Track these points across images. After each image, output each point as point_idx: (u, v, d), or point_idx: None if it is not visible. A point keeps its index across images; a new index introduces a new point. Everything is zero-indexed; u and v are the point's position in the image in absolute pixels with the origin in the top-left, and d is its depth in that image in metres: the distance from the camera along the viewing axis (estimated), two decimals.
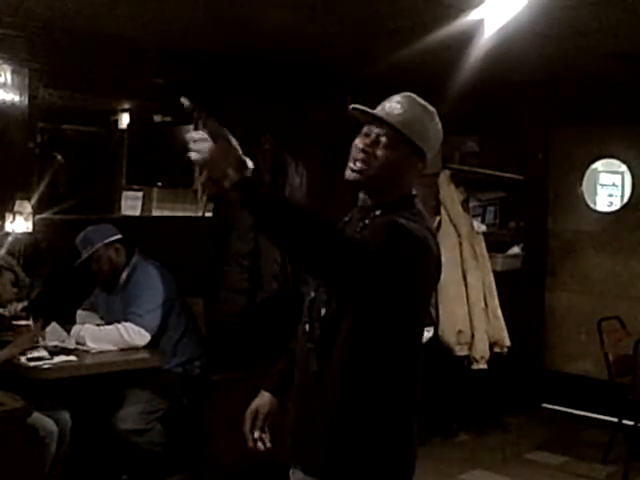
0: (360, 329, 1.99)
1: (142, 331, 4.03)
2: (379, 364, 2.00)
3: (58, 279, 4.33)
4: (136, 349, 4.01)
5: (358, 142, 2.06)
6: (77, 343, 3.95)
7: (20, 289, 3.86)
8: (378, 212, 2.05)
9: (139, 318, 4.04)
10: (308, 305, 2.11)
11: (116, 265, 4.20)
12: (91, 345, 3.95)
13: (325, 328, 2.03)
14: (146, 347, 4.04)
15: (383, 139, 2.03)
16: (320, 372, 2.03)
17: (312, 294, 2.10)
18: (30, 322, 3.72)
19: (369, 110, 2.06)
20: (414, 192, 2.12)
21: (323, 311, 2.04)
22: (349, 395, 2.00)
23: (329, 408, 2.01)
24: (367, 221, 2.05)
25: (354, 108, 2.07)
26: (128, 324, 4.02)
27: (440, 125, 2.12)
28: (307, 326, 2.09)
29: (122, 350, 3.99)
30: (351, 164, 2.05)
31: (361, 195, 2.13)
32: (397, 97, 2.10)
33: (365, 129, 2.07)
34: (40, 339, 3.77)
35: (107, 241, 4.17)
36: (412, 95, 2.12)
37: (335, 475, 2.01)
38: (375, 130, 2.04)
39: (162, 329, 4.13)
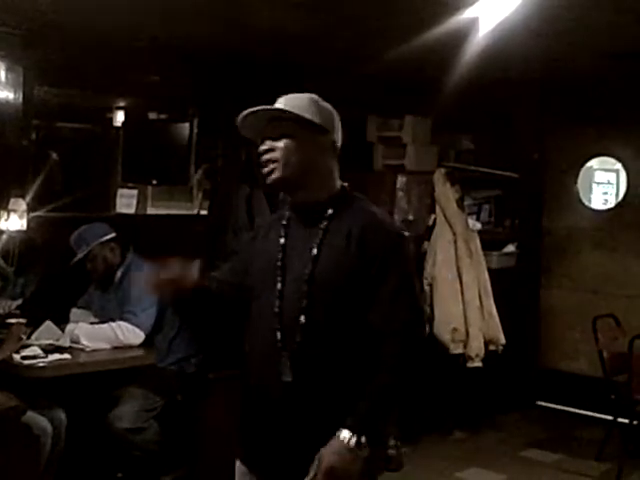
0: (358, 337, 1.99)
1: (136, 330, 4.02)
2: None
3: (52, 277, 4.33)
4: (131, 347, 4.01)
5: (260, 149, 2.08)
6: (71, 341, 3.94)
7: (1, 275, 3.80)
8: (330, 211, 2.05)
9: (134, 317, 4.04)
10: (276, 312, 2.04)
11: (111, 264, 4.20)
12: (85, 343, 3.94)
13: (308, 336, 1.99)
14: (141, 345, 4.04)
15: (278, 130, 2.04)
16: (297, 382, 2.00)
17: (276, 302, 2.04)
18: (22, 320, 3.71)
19: (255, 109, 2.07)
20: (344, 183, 2.14)
21: (303, 318, 1.99)
22: (338, 402, 1.98)
23: (321, 416, 1.99)
24: (324, 224, 2.04)
25: (241, 125, 2.10)
26: (123, 323, 4.01)
27: (327, 104, 2.14)
28: (278, 334, 2.03)
29: (116, 348, 3.99)
30: (263, 170, 2.07)
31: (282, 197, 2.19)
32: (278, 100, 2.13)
33: (265, 133, 2.09)
34: (25, 337, 3.74)
35: (102, 240, 4.17)
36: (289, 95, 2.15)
37: None
38: (272, 129, 2.06)
39: (157, 327, 4.13)
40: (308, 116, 2.05)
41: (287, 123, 2.05)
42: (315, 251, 2.02)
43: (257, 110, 2.07)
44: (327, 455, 1.91)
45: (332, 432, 1.95)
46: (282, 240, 2.09)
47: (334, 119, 2.13)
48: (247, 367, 2.14)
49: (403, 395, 2.01)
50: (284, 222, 2.13)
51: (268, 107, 2.08)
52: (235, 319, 2.23)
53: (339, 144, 2.14)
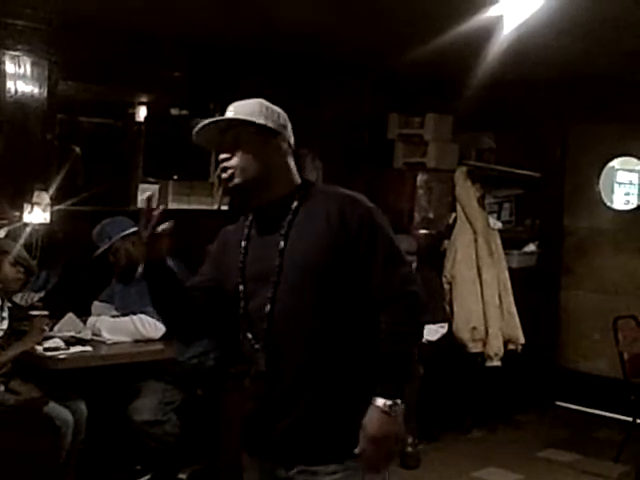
0: (339, 315, 2.05)
1: (157, 323, 4.04)
2: (351, 347, 2.07)
3: (75, 270, 4.36)
4: (151, 341, 4.04)
5: (218, 158, 2.15)
6: (93, 334, 3.98)
7: (26, 270, 3.82)
8: (295, 204, 2.11)
9: (155, 310, 4.05)
10: (242, 312, 2.13)
11: (133, 257, 4.21)
12: (107, 336, 3.98)
13: (274, 323, 2.06)
14: (161, 339, 4.06)
15: (235, 140, 2.11)
16: (271, 371, 2.08)
17: (242, 304, 2.12)
18: (45, 312, 3.75)
19: (205, 121, 2.12)
20: (306, 177, 2.21)
21: (268, 307, 2.07)
22: (321, 381, 2.05)
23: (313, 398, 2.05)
24: (289, 217, 2.10)
25: (196, 138, 2.15)
26: (144, 316, 4.04)
27: (275, 107, 2.18)
28: (249, 334, 2.12)
29: (137, 341, 4.02)
30: (223, 177, 2.14)
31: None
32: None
33: (220, 146, 2.14)
34: (47, 329, 3.76)
35: (124, 234, 4.20)
36: (237, 102, 2.20)
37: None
38: (226, 140, 2.13)
39: None
40: (261, 121, 2.11)
41: (240, 130, 2.11)
42: (282, 244, 2.07)
43: (209, 123, 2.13)
44: (369, 424, 2.01)
45: (320, 413, 2.04)
46: (243, 243, 2.16)
47: (284, 119, 2.20)
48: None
49: (414, 354, 2.12)
50: (246, 225, 2.20)
51: (219, 118, 2.15)
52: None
53: (292, 142, 2.21)
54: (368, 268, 2.05)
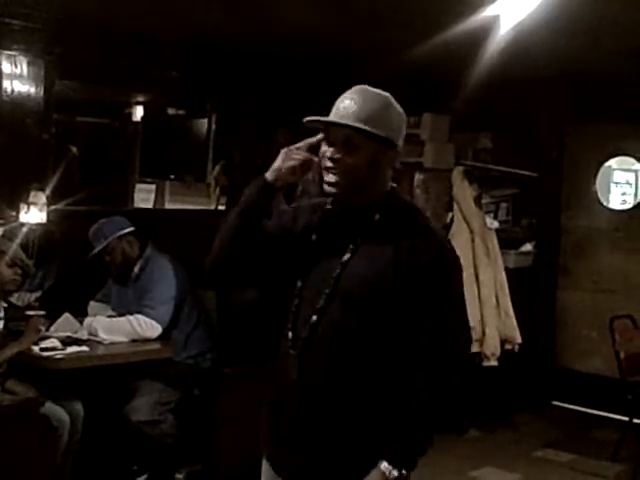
0: (380, 348, 1.93)
1: (154, 323, 4.04)
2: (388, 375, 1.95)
3: (71, 270, 4.36)
4: (148, 341, 4.03)
5: (325, 150, 1.96)
6: (89, 334, 3.97)
7: (23, 271, 3.81)
8: (377, 217, 1.96)
9: (151, 310, 4.05)
10: (293, 310, 2.02)
11: (129, 257, 4.22)
12: (103, 336, 3.97)
13: (316, 335, 1.95)
14: (158, 339, 4.05)
15: (349, 141, 1.92)
16: (302, 381, 1.97)
17: (295, 301, 2.02)
18: (41, 312, 3.74)
19: (323, 119, 1.95)
20: (393, 184, 2.04)
21: (314, 318, 1.95)
22: (349, 406, 1.94)
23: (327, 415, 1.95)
24: (366, 229, 1.95)
25: (309, 121, 1.96)
26: (140, 316, 4.03)
27: (399, 107, 2.01)
28: (290, 333, 2.01)
29: (134, 341, 4.01)
30: (326, 177, 1.96)
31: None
32: (348, 94, 1.98)
33: (328, 136, 1.96)
34: (44, 329, 3.75)
35: (120, 234, 4.19)
36: (363, 87, 2.00)
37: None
38: (339, 134, 1.93)
39: (174, 321, 4.15)
40: (382, 133, 1.92)
41: (360, 134, 1.91)
42: (348, 255, 1.94)
43: (324, 121, 1.95)
44: None
45: (343, 435, 1.94)
46: (314, 236, 2.03)
47: (403, 126, 2.01)
48: (275, 365, 2.12)
49: (443, 420, 1.94)
50: (321, 216, 2.05)
51: (336, 122, 1.93)
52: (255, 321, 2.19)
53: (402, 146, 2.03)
54: (424, 312, 1.91)
